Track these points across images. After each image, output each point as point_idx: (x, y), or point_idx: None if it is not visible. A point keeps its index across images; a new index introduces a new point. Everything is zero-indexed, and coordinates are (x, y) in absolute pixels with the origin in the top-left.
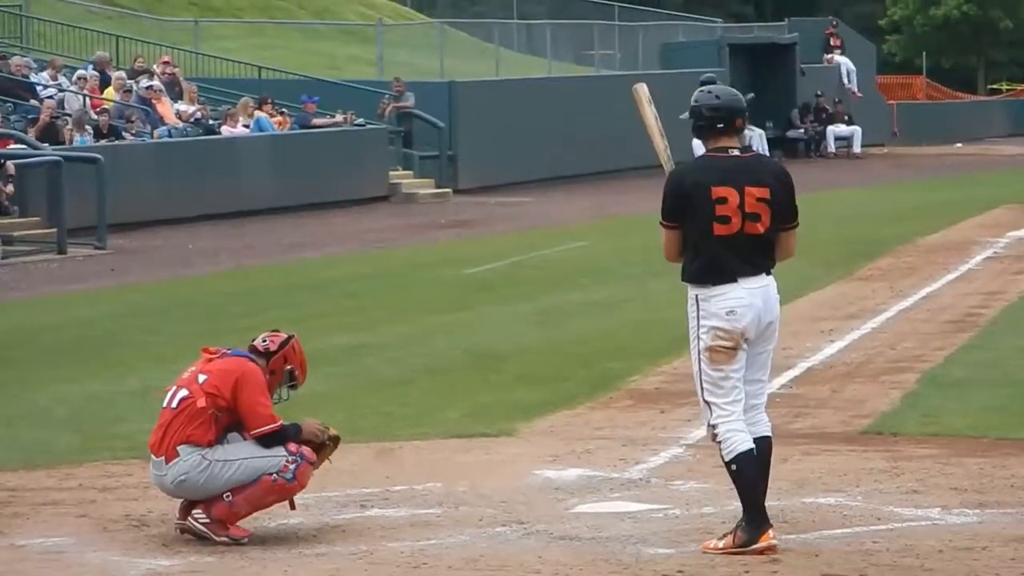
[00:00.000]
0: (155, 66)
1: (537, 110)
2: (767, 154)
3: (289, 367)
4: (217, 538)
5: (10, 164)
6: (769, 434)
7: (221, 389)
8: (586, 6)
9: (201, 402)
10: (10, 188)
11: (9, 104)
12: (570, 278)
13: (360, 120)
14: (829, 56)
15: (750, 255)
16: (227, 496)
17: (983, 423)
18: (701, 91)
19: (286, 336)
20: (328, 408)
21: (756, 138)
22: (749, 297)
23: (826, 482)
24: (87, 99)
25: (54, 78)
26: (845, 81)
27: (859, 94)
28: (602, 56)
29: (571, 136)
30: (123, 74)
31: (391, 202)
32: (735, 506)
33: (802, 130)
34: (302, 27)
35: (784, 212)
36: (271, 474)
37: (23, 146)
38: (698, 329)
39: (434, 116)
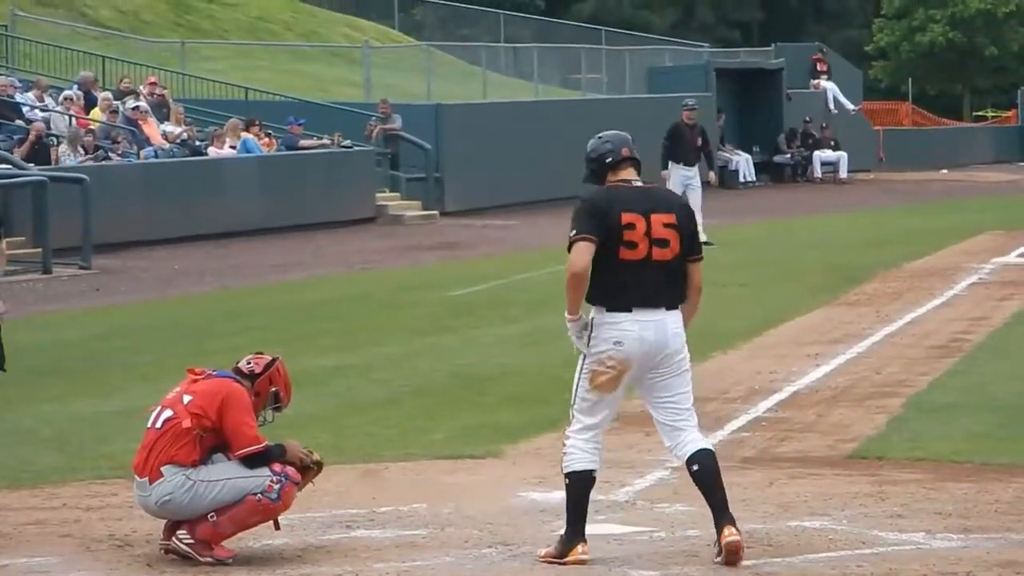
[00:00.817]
0: (141, 87)
1: (524, 133)
2: (754, 179)
3: (274, 389)
4: (202, 558)
5: None
6: (705, 446)
7: (206, 410)
8: (573, 30)
9: (186, 423)
10: None
11: None
12: (555, 300)
13: (347, 142)
14: (816, 81)
15: (653, 284)
16: (212, 516)
17: (968, 448)
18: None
19: (271, 358)
20: (313, 429)
21: (743, 162)
22: (639, 330)
23: (811, 506)
24: (73, 119)
25: (40, 98)
26: (831, 107)
27: (855, 107)
28: (589, 80)
29: (558, 159)
30: (109, 95)
31: (378, 224)
32: None
33: (789, 155)
34: (289, 49)
35: (687, 243)
36: (256, 494)
37: (8, 166)
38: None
39: (421, 138)
